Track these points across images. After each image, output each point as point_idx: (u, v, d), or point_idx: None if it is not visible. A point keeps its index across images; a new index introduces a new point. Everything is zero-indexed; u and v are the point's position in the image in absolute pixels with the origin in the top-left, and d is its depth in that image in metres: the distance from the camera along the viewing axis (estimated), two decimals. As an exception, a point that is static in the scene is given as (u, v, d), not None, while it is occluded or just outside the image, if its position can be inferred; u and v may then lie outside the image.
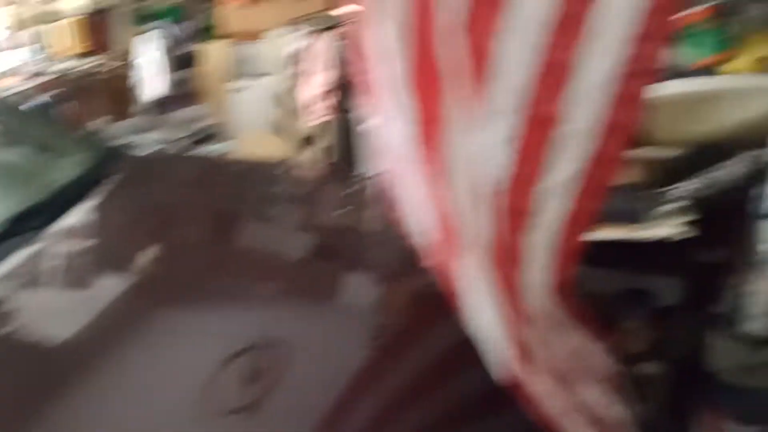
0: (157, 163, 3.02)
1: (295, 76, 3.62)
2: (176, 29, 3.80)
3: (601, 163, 1.47)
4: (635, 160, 2.36)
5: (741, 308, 2.15)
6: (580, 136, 1.43)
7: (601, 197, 1.55)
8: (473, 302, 1.30)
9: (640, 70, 1.39)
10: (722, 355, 2.21)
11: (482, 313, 1.30)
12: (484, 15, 1.35)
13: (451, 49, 1.32)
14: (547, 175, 1.46)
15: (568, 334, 1.63)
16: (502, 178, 1.45)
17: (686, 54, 2.13)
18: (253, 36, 3.97)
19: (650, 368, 2.38)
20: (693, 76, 2.11)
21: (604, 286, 2.46)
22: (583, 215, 1.55)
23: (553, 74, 1.38)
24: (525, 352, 1.39)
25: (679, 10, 1.44)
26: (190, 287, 2.03)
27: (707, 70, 2.10)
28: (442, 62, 1.27)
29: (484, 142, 1.39)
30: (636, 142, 2.32)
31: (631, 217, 2.26)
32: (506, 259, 1.50)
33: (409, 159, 1.24)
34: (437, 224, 1.27)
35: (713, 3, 2.13)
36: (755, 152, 2.15)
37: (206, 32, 4.20)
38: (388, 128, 1.28)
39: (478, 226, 1.30)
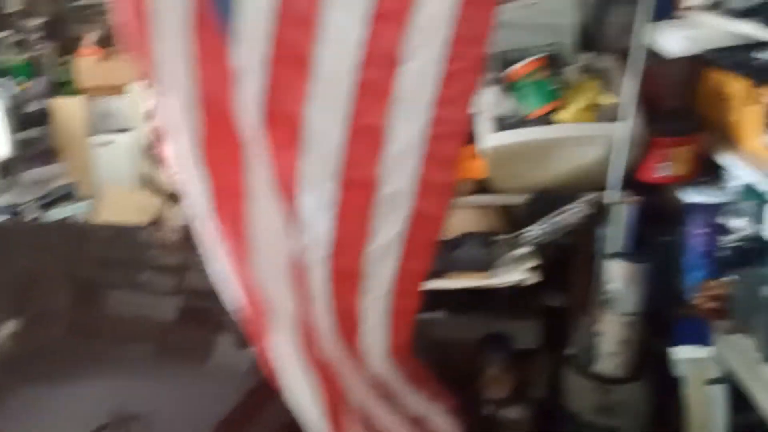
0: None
1: (156, 131, 3.50)
2: (19, 85, 3.60)
3: (422, 222, 1.47)
4: (483, 209, 2.40)
5: (591, 349, 2.20)
6: (399, 198, 1.44)
7: (427, 256, 1.56)
8: (289, 381, 1.25)
9: (448, 131, 1.41)
10: (578, 396, 2.26)
11: (298, 392, 1.25)
12: (290, 82, 1.33)
13: (254, 118, 1.29)
14: (374, 237, 1.46)
15: (407, 397, 1.61)
16: (327, 244, 1.43)
17: (521, 105, 2.20)
18: (111, 90, 3.82)
19: (514, 413, 2.40)
20: (525, 126, 2.17)
21: (464, 332, 2.48)
22: (412, 275, 1.55)
23: (366, 139, 1.38)
24: (347, 427, 1.34)
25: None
26: (48, 362, 1.97)
27: (542, 120, 2.17)
28: (241, 134, 1.23)
29: (302, 209, 1.36)
30: (482, 191, 2.38)
31: (483, 265, 2.29)
32: (345, 325, 1.48)
33: (212, 234, 1.19)
34: (246, 301, 1.22)
35: (542, 55, 2.22)
36: (593, 196, 2.23)
37: (62, 87, 4.01)
38: (190, 202, 1.22)
39: (287, 302, 1.26)
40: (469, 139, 2.25)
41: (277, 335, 1.22)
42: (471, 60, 1.37)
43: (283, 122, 1.32)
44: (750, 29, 1.85)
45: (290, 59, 1.31)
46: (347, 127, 1.36)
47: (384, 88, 1.35)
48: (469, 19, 1.31)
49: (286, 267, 1.28)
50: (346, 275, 1.44)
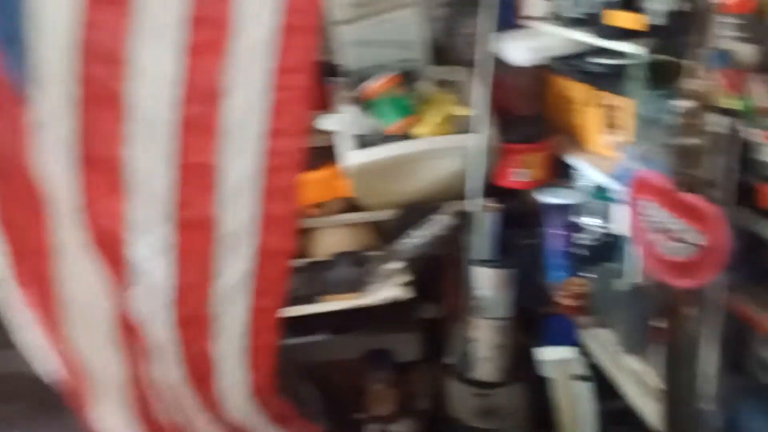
0: None
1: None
2: None
3: (270, 258, 1.44)
4: (353, 227, 2.40)
5: (468, 356, 2.24)
6: (241, 235, 1.40)
7: (279, 292, 1.53)
8: None
9: (284, 163, 1.39)
10: (459, 403, 2.29)
11: None
12: (104, 124, 1.26)
13: (62, 169, 1.20)
14: (219, 278, 1.41)
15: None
16: (169, 290, 1.37)
17: (379, 122, 2.21)
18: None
19: (401, 427, 2.41)
20: (384, 143, 2.19)
21: (345, 352, 2.47)
22: (266, 312, 1.51)
23: (198, 177, 1.33)
24: None
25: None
26: None
27: (395, 136, 2.19)
28: (43, 189, 1.15)
29: (134, 257, 1.29)
30: (351, 210, 2.38)
31: (357, 284, 2.28)
32: (197, 372, 1.42)
33: (18, 300, 1.10)
34: (64, 371, 1.13)
35: (397, 71, 2.24)
36: (457, 206, 2.27)
37: None
38: None
39: (112, 366, 1.19)
40: (333, 158, 2.25)
41: (102, 406, 1.14)
42: (297, 90, 1.36)
43: (102, 167, 1.25)
44: (584, 37, 1.93)
45: (102, 99, 1.24)
46: (175, 167, 1.31)
47: (209, 123, 1.30)
48: (290, 49, 1.29)
49: (110, 326, 1.21)
50: (192, 320, 1.39)
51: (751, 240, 1.35)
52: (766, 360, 1.34)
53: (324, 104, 2.16)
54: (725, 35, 1.36)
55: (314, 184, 2.09)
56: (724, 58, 1.34)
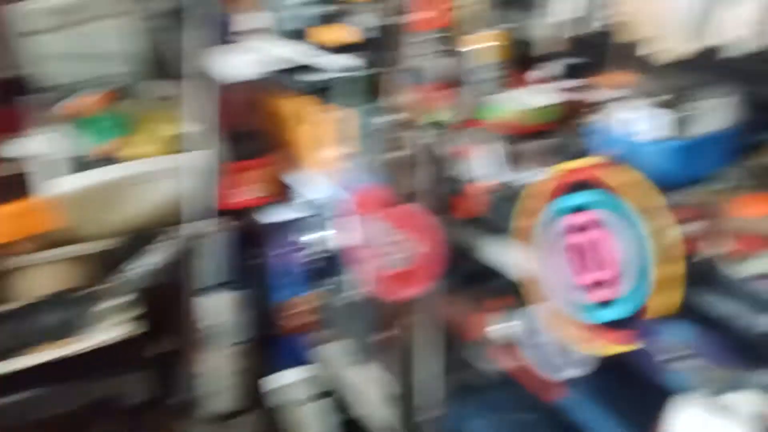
0: None
1: None
2: None
3: None
4: (64, 264, 2.14)
5: (204, 388, 2.11)
6: None
7: None
8: None
9: None
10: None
11: None
12: None
13: None
14: None
15: None
16: None
17: (88, 143, 1.99)
18: None
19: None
20: (95, 166, 1.98)
21: (66, 404, 2.19)
22: None
23: None
24: None
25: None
26: None
27: (108, 158, 1.99)
28: None
29: None
30: (60, 244, 2.11)
31: (74, 327, 2.03)
32: None
33: None
34: None
35: (108, 86, 2.04)
36: (183, 230, 2.13)
37: None
38: None
39: None
40: (25, 189, 1.97)
41: None
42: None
43: None
44: (299, 51, 1.92)
45: None
46: None
47: None
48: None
49: None
50: None
51: (458, 248, 1.42)
52: (473, 363, 1.42)
53: (12, 127, 1.89)
54: (421, 52, 1.41)
55: (6, 219, 1.82)
56: (421, 74, 1.39)
